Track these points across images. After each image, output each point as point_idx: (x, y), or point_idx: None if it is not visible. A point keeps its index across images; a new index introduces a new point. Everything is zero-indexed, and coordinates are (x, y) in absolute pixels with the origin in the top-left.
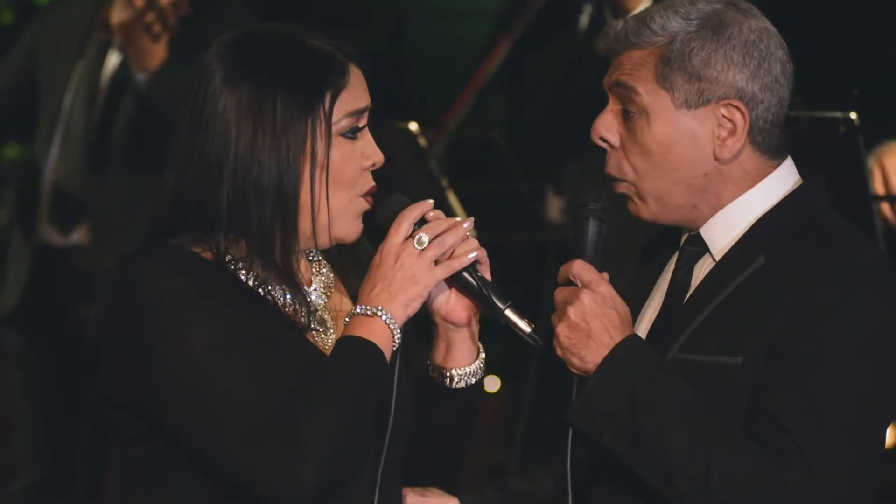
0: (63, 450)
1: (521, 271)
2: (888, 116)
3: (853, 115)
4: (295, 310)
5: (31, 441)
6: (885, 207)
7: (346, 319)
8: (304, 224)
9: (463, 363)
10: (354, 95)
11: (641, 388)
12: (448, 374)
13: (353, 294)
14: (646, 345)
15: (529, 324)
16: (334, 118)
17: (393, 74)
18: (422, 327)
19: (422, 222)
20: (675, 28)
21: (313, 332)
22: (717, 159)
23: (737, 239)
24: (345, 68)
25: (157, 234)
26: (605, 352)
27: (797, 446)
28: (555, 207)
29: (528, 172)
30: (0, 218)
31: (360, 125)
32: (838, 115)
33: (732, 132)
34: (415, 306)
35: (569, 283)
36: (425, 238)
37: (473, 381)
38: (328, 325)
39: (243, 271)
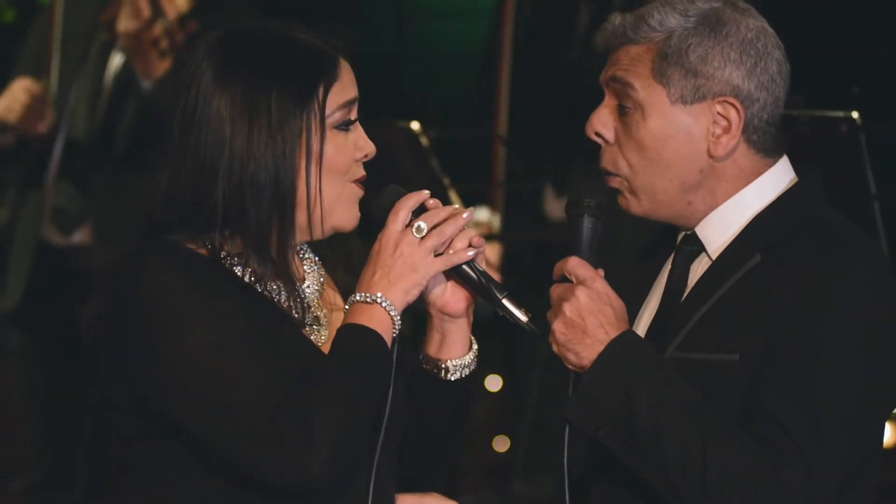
0: (64, 449)
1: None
2: (890, 116)
3: (855, 115)
4: (290, 306)
5: (32, 440)
6: None
7: (346, 307)
8: (301, 217)
9: (458, 354)
10: (345, 87)
11: (637, 383)
12: (443, 365)
13: (344, 291)
14: (641, 340)
15: (526, 313)
16: (328, 111)
17: (394, 74)
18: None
19: (419, 211)
20: (673, 24)
21: (308, 329)
22: (711, 156)
23: (733, 237)
24: (335, 61)
25: (151, 233)
26: (601, 348)
27: (793, 442)
28: (556, 207)
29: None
30: (1, 217)
31: (352, 117)
32: (840, 114)
33: (727, 129)
34: (414, 294)
35: (564, 279)
36: (424, 226)
37: (468, 372)
38: (322, 322)
39: (239, 268)
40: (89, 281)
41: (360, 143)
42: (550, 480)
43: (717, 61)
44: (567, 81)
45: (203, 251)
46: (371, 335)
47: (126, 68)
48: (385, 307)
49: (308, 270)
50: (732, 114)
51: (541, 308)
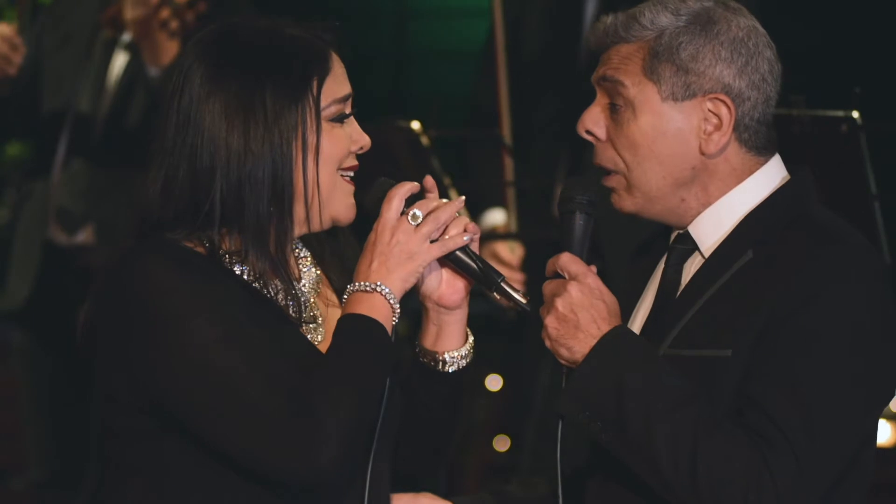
0: (69, 447)
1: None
2: (890, 116)
3: (855, 114)
4: (287, 304)
5: (35, 439)
6: None
7: (345, 296)
8: (299, 210)
9: (454, 346)
10: (338, 81)
11: (629, 377)
12: (440, 357)
13: (339, 290)
14: (634, 335)
15: (524, 295)
16: (323, 104)
17: (395, 73)
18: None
19: (411, 201)
20: (665, 23)
21: (304, 328)
22: (702, 153)
23: (725, 235)
24: (326, 55)
25: (148, 232)
26: (593, 342)
27: (782, 432)
28: None
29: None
30: (4, 216)
31: (347, 111)
32: (840, 113)
33: (718, 127)
34: (411, 281)
35: (557, 276)
36: (419, 213)
37: (464, 364)
38: (318, 322)
39: (237, 266)
40: (93, 280)
41: (354, 136)
42: (546, 482)
43: (707, 59)
44: (575, 80)
45: (201, 249)
46: (373, 325)
47: (131, 65)
48: (385, 295)
49: (304, 270)
50: (723, 111)
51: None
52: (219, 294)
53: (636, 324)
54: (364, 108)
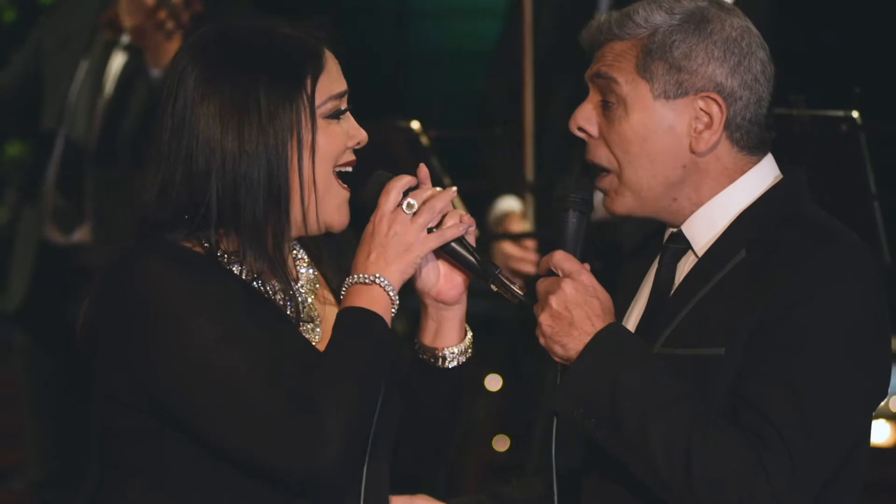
0: (69, 447)
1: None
2: (890, 116)
3: (855, 114)
4: (285, 304)
5: (37, 438)
6: None
7: (343, 288)
8: (295, 210)
9: (454, 342)
10: (333, 78)
11: (623, 374)
12: (440, 354)
13: (336, 291)
14: (628, 332)
15: (521, 287)
16: (318, 101)
17: (395, 73)
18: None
19: (407, 195)
20: (658, 21)
21: (302, 328)
22: (693, 151)
23: (718, 235)
24: (320, 52)
25: (146, 234)
26: (587, 339)
27: (777, 431)
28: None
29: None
30: (2, 216)
31: (343, 108)
32: (840, 113)
33: (709, 125)
34: (409, 272)
35: (551, 273)
36: (414, 202)
37: (464, 359)
38: (316, 322)
39: (236, 266)
40: (91, 279)
41: (351, 132)
42: (543, 483)
43: (700, 57)
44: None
45: (200, 249)
46: (373, 318)
47: (129, 66)
48: (384, 286)
49: (301, 271)
50: (714, 109)
51: None
52: (218, 294)
53: (630, 323)
54: (364, 108)
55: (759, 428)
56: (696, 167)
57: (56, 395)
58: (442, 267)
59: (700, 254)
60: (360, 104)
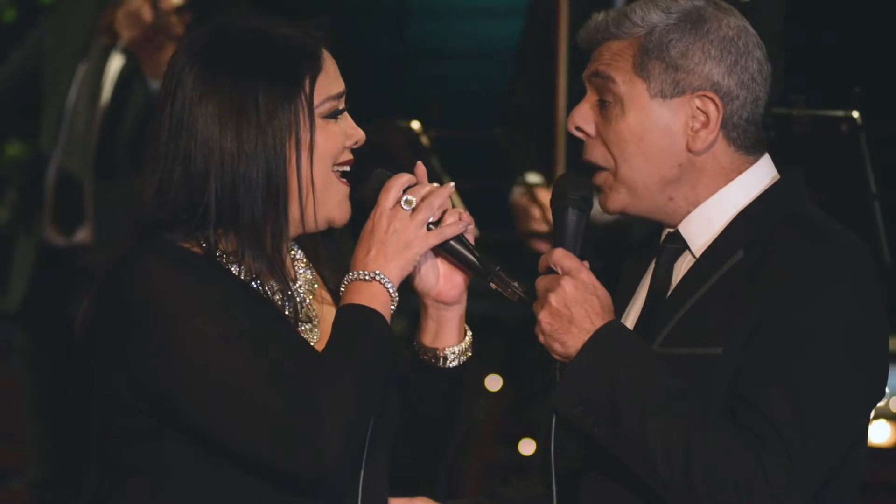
0: (69, 447)
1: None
2: (890, 116)
3: (855, 114)
4: (283, 304)
5: (37, 438)
6: None
7: (343, 285)
8: (294, 210)
9: (454, 342)
10: (331, 79)
11: (622, 372)
12: (441, 354)
13: (334, 290)
14: (627, 330)
15: (521, 285)
16: (316, 101)
17: (395, 73)
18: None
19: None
20: (655, 20)
21: (300, 328)
22: (690, 150)
23: (716, 235)
24: (318, 52)
25: (145, 234)
26: (587, 337)
27: (776, 431)
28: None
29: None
30: (2, 216)
31: (341, 108)
32: (840, 113)
33: (706, 124)
34: (408, 269)
35: (550, 271)
36: (413, 199)
37: (464, 359)
38: (314, 322)
39: (234, 266)
40: (91, 279)
41: (349, 131)
42: (542, 484)
43: (697, 57)
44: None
45: (198, 249)
46: (373, 315)
47: (128, 68)
48: (383, 283)
49: (299, 271)
50: (711, 108)
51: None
52: (218, 294)
53: (628, 322)
54: (364, 108)
55: (759, 428)
56: (693, 166)
57: (56, 395)
58: (442, 267)
59: (697, 254)
60: (360, 104)
